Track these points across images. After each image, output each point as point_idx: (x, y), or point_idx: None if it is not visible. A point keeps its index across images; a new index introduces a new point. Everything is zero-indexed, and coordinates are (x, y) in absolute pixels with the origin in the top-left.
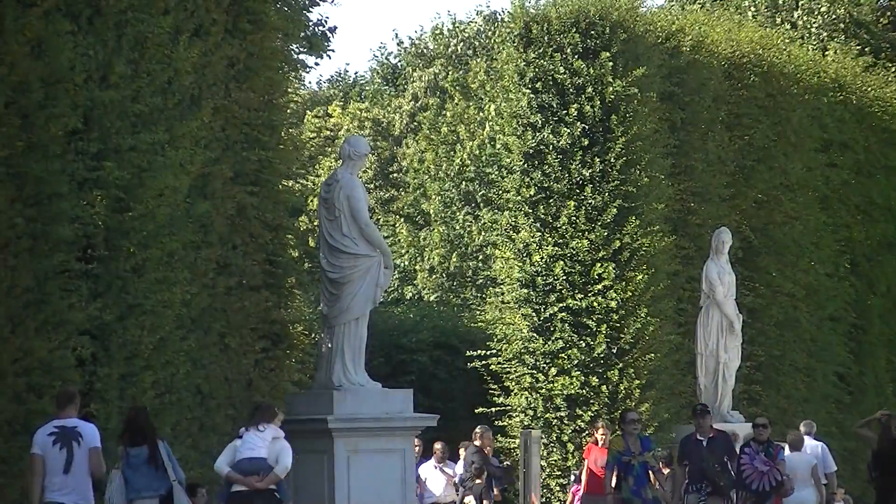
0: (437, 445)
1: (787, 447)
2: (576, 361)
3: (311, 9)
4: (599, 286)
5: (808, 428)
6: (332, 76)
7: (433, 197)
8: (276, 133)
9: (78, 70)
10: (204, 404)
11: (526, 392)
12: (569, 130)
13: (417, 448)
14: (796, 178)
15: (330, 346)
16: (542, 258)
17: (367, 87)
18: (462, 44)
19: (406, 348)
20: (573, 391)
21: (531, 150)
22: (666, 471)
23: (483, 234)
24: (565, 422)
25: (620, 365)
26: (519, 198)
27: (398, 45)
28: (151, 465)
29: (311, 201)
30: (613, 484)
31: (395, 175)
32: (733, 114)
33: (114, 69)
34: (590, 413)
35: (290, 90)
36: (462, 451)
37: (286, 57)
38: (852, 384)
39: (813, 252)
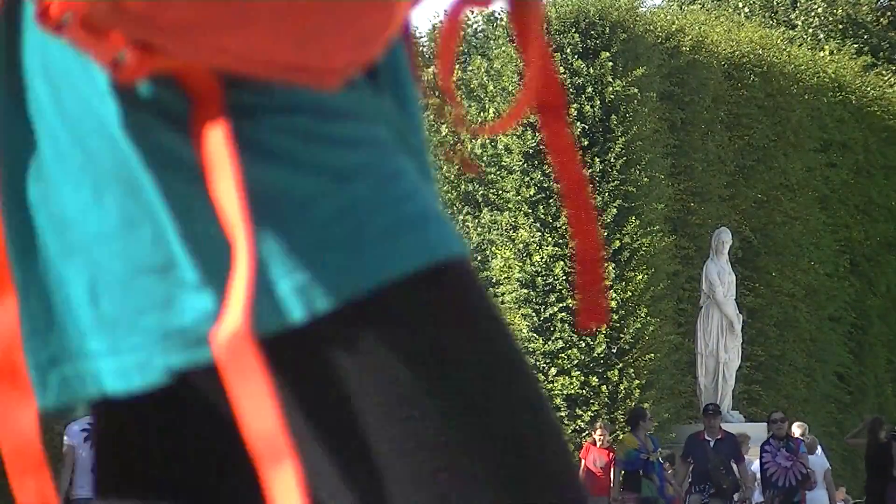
0: None
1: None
2: (576, 361)
3: None
4: None
5: (802, 429)
6: None
7: None
8: None
9: None
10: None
11: None
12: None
13: None
14: (796, 178)
15: None
16: (542, 258)
17: None
18: (461, 43)
19: None
20: (573, 391)
21: (531, 151)
22: (669, 471)
23: (481, 234)
24: (565, 422)
25: (620, 365)
26: (519, 198)
27: None
28: None
29: None
30: (622, 482)
31: None
32: (733, 114)
33: None
34: (590, 413)
35: None
36: None
37: None
38: (852, 384)
39: (813, 252)
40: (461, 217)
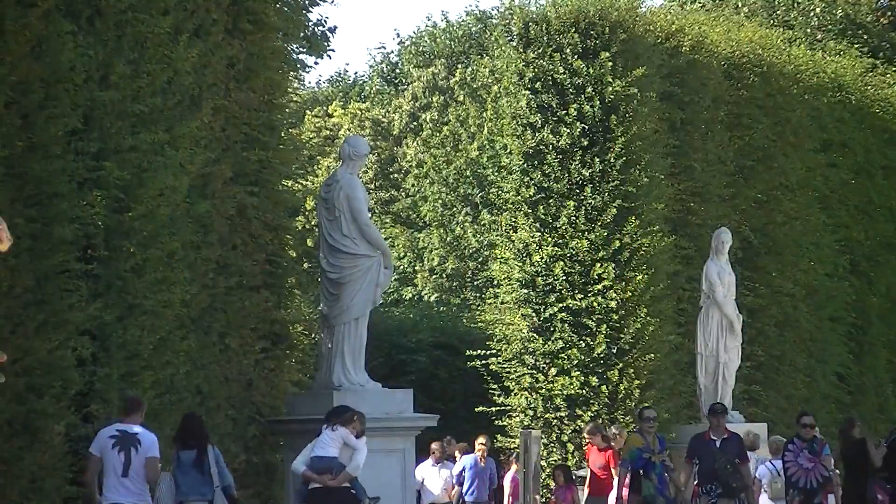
0: (435, 446)
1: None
2: (576, 361)
3: (310, 9)
4: (599, 286)
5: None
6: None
7: (431, 200)
8: (276, 133)
9: (78, 70)
10: (204, 404)
11: (526, 392)
12: (568, 130)
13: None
14: (796, 178)
15: (330, 346)
16: (541, 258)
17: (367, 86)
18: (456, 42)
19: (406, 348)
20: (573, 391)
21: (531, 151)
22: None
23: (480, 236)
24: (565, 422)
25: (620, 365)
26: (518, 198)
27: (399, 44)
28: (198, 469)
29: (310, 201)
30: (628, 482)
31: (394, 175)
32: (733, 114)
33: (114, 69)
34: (590, 413)
35: (290, 90)
36: (457, 453)
37: (286, 57)
38: (852, 384)
39: (813, 252)
40: (461, 218)
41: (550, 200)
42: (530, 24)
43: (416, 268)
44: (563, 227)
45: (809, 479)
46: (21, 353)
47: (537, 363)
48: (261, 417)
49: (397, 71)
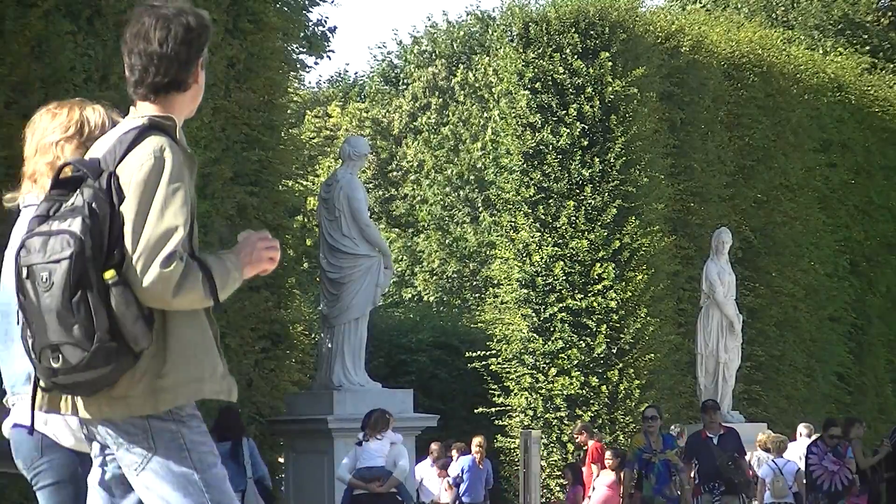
0: (434, 446)
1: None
2: (576, 361)
3: (311, 9)
4: (599, 286)
5: (808, 430)
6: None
7: (431, 202)
8: (276, 133)
9: (78, 70)
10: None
11: (526, 392)
12: (568, 130)
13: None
14: (796, 178)
15: (330, 346)
16: (541, 258)
17: (367, 86)
18: (457, 43)
19: (406, 348)
20: (573, 391)
21: (531, 151)
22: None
23: (479, 237)
24: (565, 422)
25: (620, 365)
26: (518, 198)
27: (398, 44)
28: (234, 461)
29: (310, 201)
30: (633, 482)
31: (394, 174)
32: (733, 114)
33: (114, 69)
34: (590, 413)
35: (290, 90)
36: (455, 453)
37: (286, 57)
38: (852, 384)
39: (813, 252)
40: (460, 217)
41: (550, 200)
42: (530, 24)
43: (415, 270)
44: (563, 227)
45: (834, 482)
46: None
47: (537, 363)
48: (261, 417)
49: (397, 71)
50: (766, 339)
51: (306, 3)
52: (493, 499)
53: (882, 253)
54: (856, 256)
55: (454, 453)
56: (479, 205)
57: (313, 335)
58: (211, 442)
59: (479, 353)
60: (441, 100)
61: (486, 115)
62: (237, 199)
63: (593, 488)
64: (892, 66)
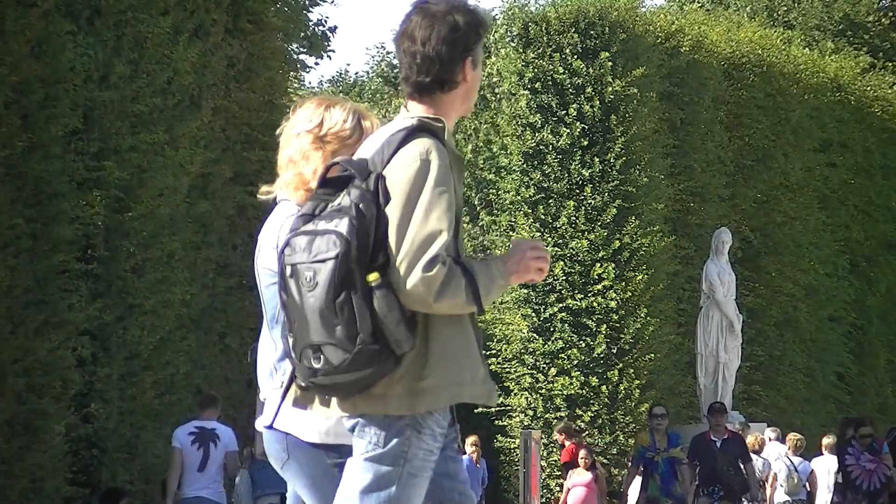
0: None
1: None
2: (576, 361)
3: (311, 9)
4: (599, 286)
5: (776, 433)
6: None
7: None
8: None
9: (78, 70)
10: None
11: (526, 392)
12: (568, 130)
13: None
14: (796, 178)
15: None
16: None
17: (366, 86)
18: None
19: None
20: (573, 391)
21: (530, 151)
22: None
23: (480, 235)
24: (565, 422)
25: (620, 365)
26: (518, 198)
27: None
28: None
29: None
30: (639, 482)
31: None
32: (733, 114)
33: (114, 69)
34: (590, 413)
35: (290, 90)
36: None
37: (286, 57)
38: (852, 384)
39: (813, 252)
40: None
41: (550, 200)
42: (530, 24)
43: None
44: (563, 227)
45: (872, 481)
46: (21, 353)
47: (537, 363)
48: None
49: (396, 71)
50: (766, 339)
51: (306, 3)
52: (494, 499)
53: (882, 253)
54: (856, 256)
55: None
56: (476, 203)
57: None
58: (432, 462)
59: None
60: None
61: (484, 115)
62: (237, 199)
63: (568, 489)
64: (891, 65)
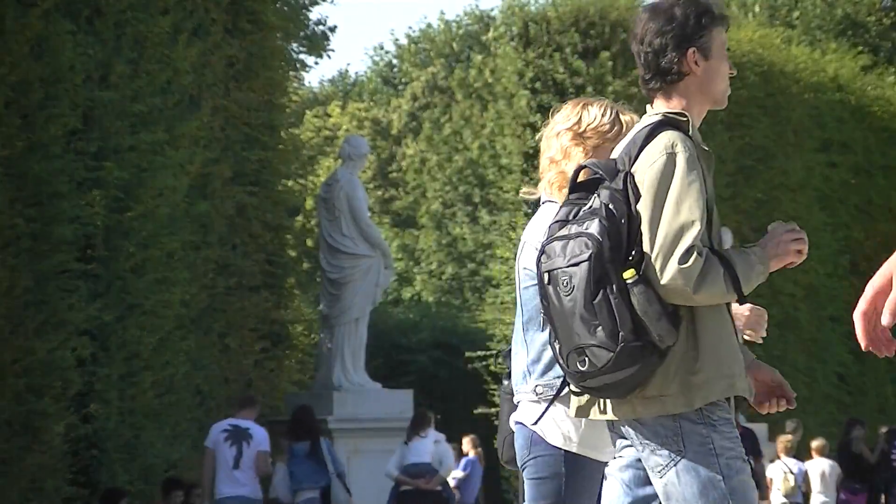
0: None
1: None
2: None
3: (310, 8)
4: None
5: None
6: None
7: (431, 199)
8: (276, 133)
9: (78, 70)
10: (204, 404)
11: None
12: None
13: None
14: (796, 178)
15: (330, 346)
16: None
17: (366, 86)
18: (456, 42)
19: (406, 348)
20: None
21: (530, 151)
22: None
23: (480, 235)
24: None
25: None
26: (518, 198)
27: (394, 41)
28: (312, 459)
29: (309, 201)
30: None
31: (394, 174)
32: (733, 114)
33: (113, 69)
34: None
35: (290, 90)
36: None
37: (286, 57)
38: (852, 384)
39: (813, 252)
40: (460, 217)
41: None
42: (530, 23)
43: (415, 270)
44: None
45: None
46: (21, 353)
47: None
48: (261, 417)
49: (395, 72)
50: (766, 339)
51: (306, 2)
52: (494, 499)
53: (882, 253)
54: (856, 256)
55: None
56: (477, 200)
57: (313, 335)
58: (740, 448)
59: (478, 353)
60: (441, 98)
61: (483, 114)
62: (237, 199)
63: None
64: (892, 67)
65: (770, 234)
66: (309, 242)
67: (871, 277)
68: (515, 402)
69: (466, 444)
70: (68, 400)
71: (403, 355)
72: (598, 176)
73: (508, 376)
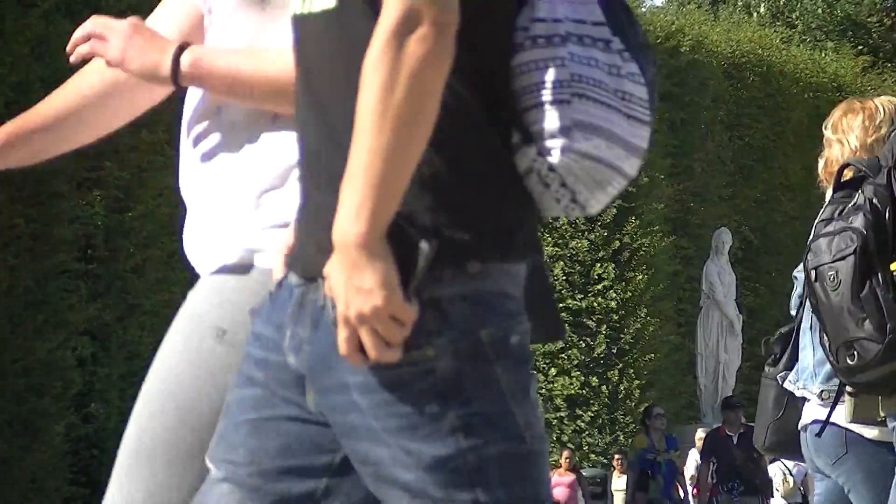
0: None
1: None
2: (576, 361)
3: None
4: (599, 286)
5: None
6: None
7: None
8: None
9: (78, 70)
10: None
11: None
12: None
13: None
14: (796, 178)
15: None
16: None
17: None
18: None
19: None
20: (573, 391)
21: None
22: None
23: None
24: (565, 422)
25: (620, 365)
26: None
27: None
28: None
29: None
30: (636, 482)
31: None
32: (733, 114)
33: None
34: (590, 413)
35: None
36: None
37: None
38: None
39: None
40: None
41: None
42: None
43: None
44: (563, 227)
45: None
46: (21, 353)
47: (537, 363)
48: None
49: None
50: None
51: None
52: None
53: None
54: None
55: None
56: None
57: None
58: None
59: None
60: None
61: None
62: None
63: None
64: (890, 66)
65: None
66: None
67: None
68: (799, 395)
69: None
70: (69, 400)
71: None
72: (861, 174)
73: (773, 363)
